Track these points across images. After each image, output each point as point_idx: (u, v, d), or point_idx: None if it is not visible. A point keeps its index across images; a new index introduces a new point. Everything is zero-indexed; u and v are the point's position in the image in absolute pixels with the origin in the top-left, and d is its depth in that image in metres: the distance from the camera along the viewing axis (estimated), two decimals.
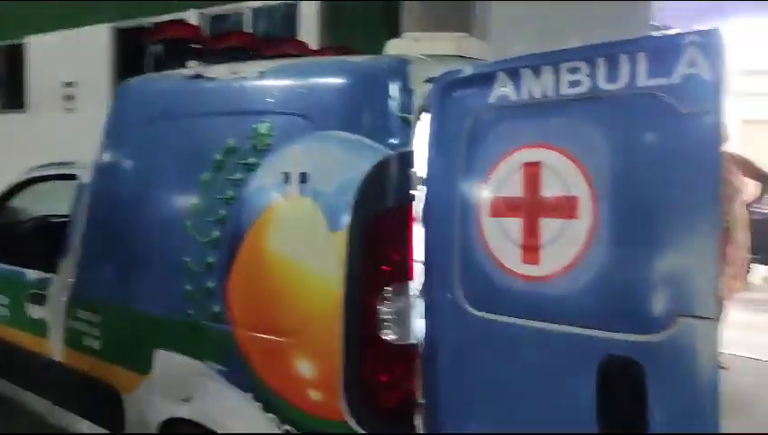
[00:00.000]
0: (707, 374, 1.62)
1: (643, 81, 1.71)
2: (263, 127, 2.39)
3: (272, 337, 2.36)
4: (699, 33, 1.64)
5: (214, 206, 2.50)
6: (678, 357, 1.65)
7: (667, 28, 5.83)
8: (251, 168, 2.42)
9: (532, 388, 1.93)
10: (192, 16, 7.89)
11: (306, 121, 2.30)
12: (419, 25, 6.65)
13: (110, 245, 3.00)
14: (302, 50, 3.57)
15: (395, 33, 6.29)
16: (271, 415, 2.34)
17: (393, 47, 2.89)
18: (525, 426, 1.94)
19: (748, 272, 7.68)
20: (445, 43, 2.73)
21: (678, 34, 1.68)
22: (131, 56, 8.57)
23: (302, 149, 2.30)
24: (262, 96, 2.48)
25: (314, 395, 2.26)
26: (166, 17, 7.92)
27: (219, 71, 2.70)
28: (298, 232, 2.31)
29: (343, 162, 2.21)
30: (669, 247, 1.69)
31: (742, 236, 4.92)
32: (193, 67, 3.15)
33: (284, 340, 2.32)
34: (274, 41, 3.80)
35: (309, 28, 6.85)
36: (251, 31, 7.22)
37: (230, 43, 3.25)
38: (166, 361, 2.70)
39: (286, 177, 2.31)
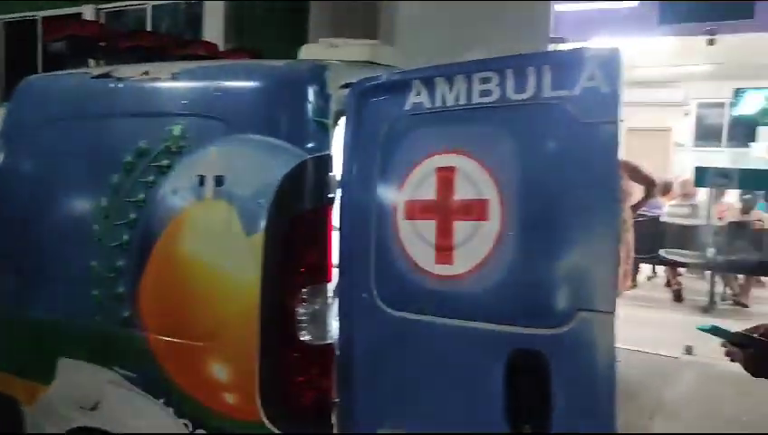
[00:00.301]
0: (605, 363, 1.77)
1: (548, 92, 1.84)
2: (176, 129, 2.36)
3: (186, 341, 2.33)
4: (599, 49, 1.78)
5: (124, 209, 2.44)
6: (579, 348, 1.79)
7: (563, 40, 6.17)
8: (164, 170, 2.38)
9: (445, 383, 2.02)
10: (87, 12, 7.57)
11: (222, 124, 2.29)
12: (326, 27, 6.70)
13: (7, 250, 2.85)
14: (213, 51, 3.53)
15: (302, 33, 6.32)
16: (183, 420, 2.31)
17: (308, 52, 2.91)
18: (438, 420, 2.03)
19: (637, 271, 8.28)
20: (359, 49, 2.79)
21: (579, 50, 1.82)
22: (20, 51, 8.12)
23: (217, 151, 2.29)
24: (176, 98, 2.45)
25: (230, 397, 2.26)
26: (59, 12, 7.58)
27: (129, 71, 2.63)
28: (213, 235, 2.30)
29: (260, 165, 2.22)
30: (571, 247, 1.82)
31: (629, 237, 5.28)
32: (98, 66, 3.05)
33: (199, 344, 2.30)
34: (184, 41, 3.73)
35: (214, 28, 6.74)
36: (150, 29, 7.02)
37: (137, 43, 3.16)
38: (70, 369, 2.60)
39: (201, 179, 2.29)
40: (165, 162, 2.38)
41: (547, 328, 1.83)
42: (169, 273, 2.38)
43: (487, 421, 1.92)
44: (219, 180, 2.26)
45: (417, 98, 2.05)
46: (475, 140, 1.96)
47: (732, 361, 1.80)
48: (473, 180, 1.94)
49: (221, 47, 6.09)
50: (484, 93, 1.93)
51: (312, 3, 6.60)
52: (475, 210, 1.93)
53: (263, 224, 2.17)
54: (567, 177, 1.82)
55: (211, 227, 2.30)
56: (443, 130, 2.03)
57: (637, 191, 5.48)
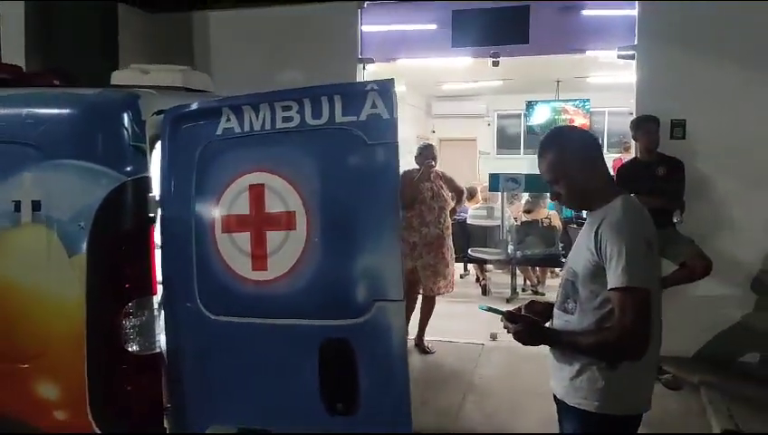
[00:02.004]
0: (398, 342, 2.12)
1: (339, 118, 2.16)
2: None
3: (9, 365, 2.37)
4: (378, 82, 2.13)
5: None
6: (377, 332, 2.12)
7: (371, 60, 6.62)
8: None
9: (267, 376, 2.27)
10: None
11: (37, 151, 2.36)
12: (137, 43, 6.65)
13: None
14: (16, 73, 3.46)
15: (112, 49, 6.18)
16: None
17: (119, 77, 3.02)
18: (263, 410, 2.27)
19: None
20: (171, 75, 2.95)
21: (364, 83, 2.16)
22: None
23: (33, 177, 2.36)
24: None
25: (60, 414, 2.35)
26: None
27: None
28: (33, 259, 2.36)
29: (79, 189, 2.32)
30: (365, 248, 2.16)
31: (450, 241, 5.84)
32: None
33: (23, 366, 2.35)
34: None
35: (13, 43, 6.38)
36: None
37: None
38: None
39: (17, 205, 2.36)
40: None
41: (351, 318, 2.15)
42: None
43: (306, 405, 2.20)
44: (36, 205, 2.34)
45: (227, 123, 2.29)
46: (281, 160, 2.23)
47: (508, 332, 2.24)
48: (281, 195, 2.21)
49: (22, 63, 5.83)
50: (286, 119, 2.21)
51: (120, 15, 6.49)
52: (284, 221, 2.21)
53: (85, 245, 2.29)
54: (357, 189, 2.15)
55: (30, 251, 2.36)
56: (252, 151, 2.28)
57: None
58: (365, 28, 6.62)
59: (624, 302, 2.04)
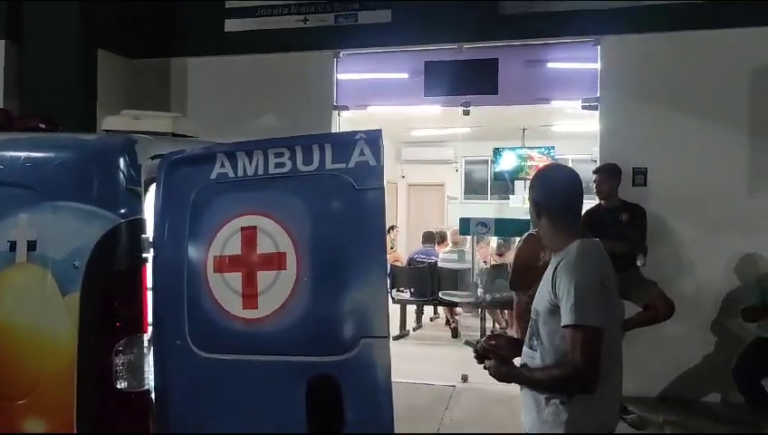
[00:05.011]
0: (383, 377, 2.22)
1: (329, 164, 2.30)
2: None
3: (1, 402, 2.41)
4: (366, 132, 2.28)
5: None
6: (363, 368, 2.22)
7: (345, 107, 6.81)
8: None
9: (256, 409, 2.34)
10: None
11: (34, 193, 2.45)
12: (116, 84, 6.75)
13: None
14: (6, 117, 3.54)
15: (90, 88, 6.25)
16: None
17: (110, 123, 3.11)
18: None
19: (422, 313, 9.08)
20: (162, 121, 3.07)
21: (353, 133, 2.31)
22: None
23: (29, 218, 2.44)
24: None
25: None
26: None
27: None
28: (27, 298, 2.43)
29: (75, 230, 2.41)
30: (352, 288, 2.27)
31: None
32: None
33: (15, 402, 2.39)
34: None
35: None
36: None
37: None
38: None
39: (12, 245, 2.43)
40: None
41: (338, 355, 2.24)
42: None
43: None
44: (32, 245, 2.41)
45: (221, 169, 2.41)
46: (273, 204, 2.35)
47: (484, 368, 2.34)
48: (272, 237, 2.32)
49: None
50: (279, 165, 2.35)
51: (100, 60, 6.59)
52: (275, 261, 2.31)
53: (79, 284, 2.36)
54: (346, 231, 2.28)
55: (24, 290, 2.43)
56: (245, 195, 2.40)
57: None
58: (340, 76, 6.83)
59: (574, 339, 2.12)
